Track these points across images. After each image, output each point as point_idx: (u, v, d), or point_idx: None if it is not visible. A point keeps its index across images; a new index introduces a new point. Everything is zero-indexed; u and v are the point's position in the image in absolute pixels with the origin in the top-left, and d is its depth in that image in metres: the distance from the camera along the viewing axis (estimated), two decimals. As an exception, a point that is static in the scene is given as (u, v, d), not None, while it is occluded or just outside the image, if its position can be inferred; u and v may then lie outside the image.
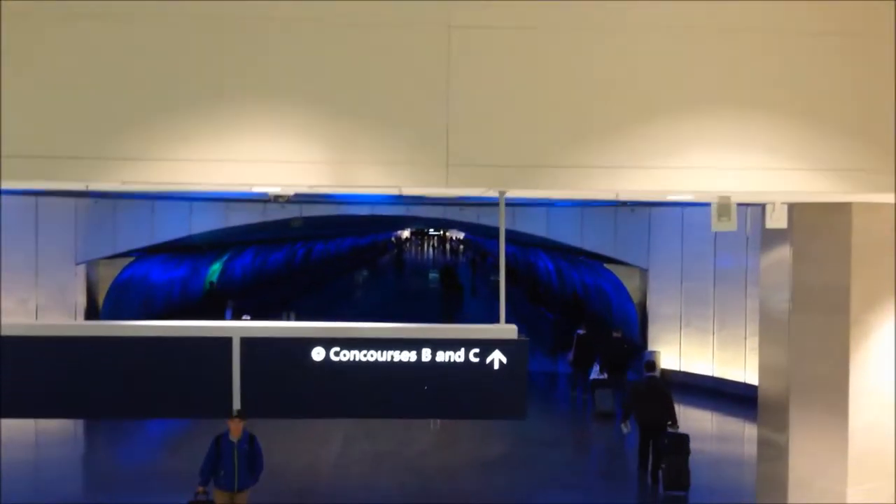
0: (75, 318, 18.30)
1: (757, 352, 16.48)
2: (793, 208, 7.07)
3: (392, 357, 5.32)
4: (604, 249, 19.78)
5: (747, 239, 16.98)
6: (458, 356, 5.32)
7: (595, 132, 5.25)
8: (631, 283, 20.30)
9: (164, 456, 13.17)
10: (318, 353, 5.29)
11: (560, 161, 5.25)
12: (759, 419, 7.95)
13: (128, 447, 13.67)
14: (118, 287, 19.92)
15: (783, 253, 7.45)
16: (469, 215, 20.50)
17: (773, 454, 7.65)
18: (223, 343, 5.27)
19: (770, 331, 7.73)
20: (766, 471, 7.84)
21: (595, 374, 16.08)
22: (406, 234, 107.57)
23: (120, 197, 18.83)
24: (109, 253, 18.98)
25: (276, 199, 5.94)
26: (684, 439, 11.21)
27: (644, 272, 19.52)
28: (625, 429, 12.14)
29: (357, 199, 20.00)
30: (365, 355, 5.31)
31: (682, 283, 18.57)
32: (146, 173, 5.10)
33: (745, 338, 17.09)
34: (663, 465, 11.18)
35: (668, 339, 18.79)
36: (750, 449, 14.48)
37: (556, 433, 15.06)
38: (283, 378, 5.32)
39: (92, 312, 18.89)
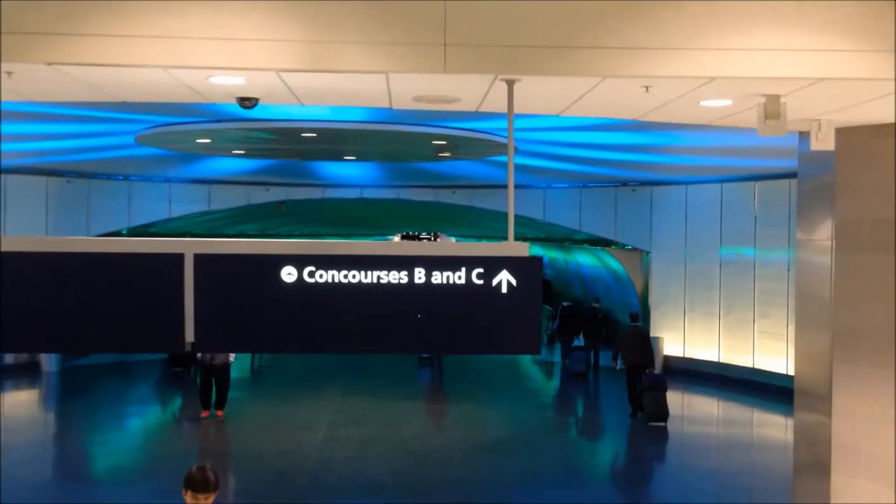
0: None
1: (766, 336, 15.98)
2: (838, 135, 6.19)
3: (378, 278, 4.39)
4: (604, 232, 18.88)
5: (755, 218, 16.18)
6: (457, 277, 4.40)
7: (618, 7, 4.36)
8: (632, 267, 19.41)
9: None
10: (288, 274, 4.37)
11: (577, 41, 4.36)
12: (796, 377, 7.04)
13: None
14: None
15: (825, 185, 6.56)
16: (462, 198, 19.59)
17: (813, 418, 6.75)
18: (172, 261, 4.34)
19: (808, 275, 6.82)
20: (805, 437, 6.93)
21: (579, 342, 18.17)
22: (396, 239, 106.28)
23: (95, 176, 17.89)
24: (82, 236, 17.97)
25: (243, 102, 4.98)
26: (662, 379, 13.46)
27: (646, 255, 18.63)
28: (616, 366, 14.38)
29: (345, 182, 19.09)
30: (346, 276, 4.38)
31: (686, 265, 17.70)
32: (78, 52, 4.20)
33: (754, 321, 16.23)
34: (645, 401, 13.22)
35: (672, 325, 17.90)
36: (761, 433, 13.72)
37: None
38: (246, 304, 4.39)
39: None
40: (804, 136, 6.62)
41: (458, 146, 12.44)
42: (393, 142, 11.92)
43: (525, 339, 4.47)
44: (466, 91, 4.95)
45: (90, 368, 17.62)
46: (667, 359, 17.71)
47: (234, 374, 17.99)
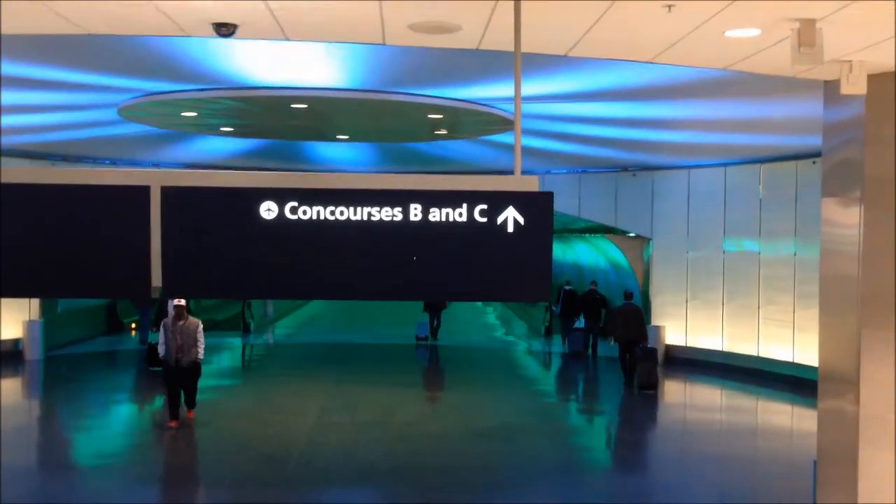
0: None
1: (771, 323, 15.51)
2: (868, 82, 5.72)
3: (369, 215, 3.91)
4: (604, 219, 18.39)
5: (760, 202, 15.73)
6: (458, 215, 3.92)
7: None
8: (633, 256, 18.94)
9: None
10: (268, 210, 3.89)
11: (596, -50, 3.89)
12: (820, 365, 6.56)
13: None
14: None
15: (853, 138, 6.09)
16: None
17: (839, 403, 6.28)
18: (136, 194, 3.86)
19: (834, 254, 6.33)
20: (830, 424, 6.45)
21: (579, 324, 18.47)
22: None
23: (80, 160, 17.37)
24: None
25: (220, 29, 4.48)
26: (653, 351, 14.65)
27: (648, 242, 18.14)
28: (610, 342, 15.46)
29: (338, 168, 18.61)
30: (332, 213, 3.90)
31: (688, 252, 17.23)
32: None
33: (759, 308, 15.77)
34: (638, 371, 14.23)
35: (674, 313, 17.42)
36: (767, 420, 13.27)
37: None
38: (219, 244, 3.91)
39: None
40: (831, 86, 6.16)
41: (455, 122, 11.95)
42: (387, 114, 11.42)
43: (533, 286, 3.99)
44: (468, 16, 4.47)
45: (74, 357, 17.11)
46: (668, 348, 17.25)
47: (226, 363, 17.59)
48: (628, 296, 15.40)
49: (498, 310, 29.80)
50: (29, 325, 16.60)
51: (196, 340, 10.95)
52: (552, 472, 9.65)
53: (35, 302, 16.78)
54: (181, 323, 10.90)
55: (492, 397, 14.03)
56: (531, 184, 3.97)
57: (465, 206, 3.91)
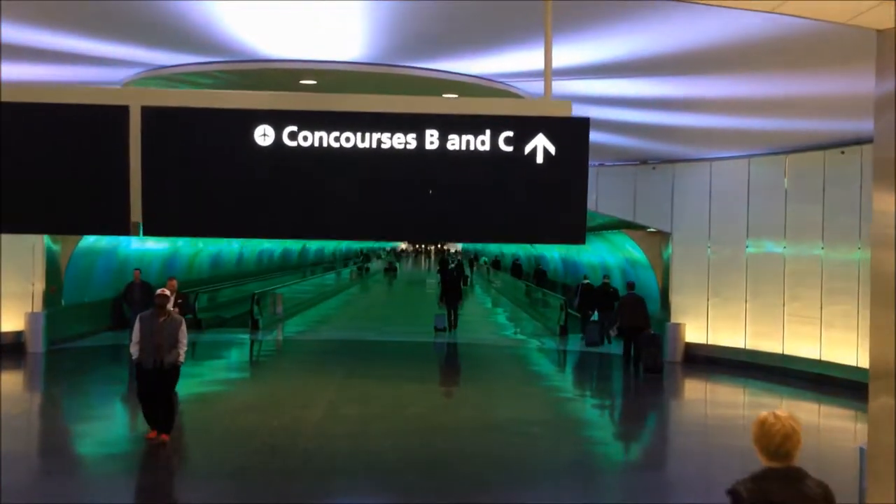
0: (32, 285, 16.37)
1: (797, 320, 14.93)
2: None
3: (379, 142, 3.43)
4: (622, 214, 17.83)
5: (786, 192, 15.18)
6: (480, 143, 3.44)
7: None
8: (653, 253, 18.39)
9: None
10: (263, 135, 3.41)
11: None
12: (871, 361, 6.01)
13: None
14: (81, 256, 17.93)
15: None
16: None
17: (892, 384, 5.73)
18: (113, 115, 3.39)
19: (887, 226, 5.76)
20: (883, 405, 5.89)
21: (594, 317, 19.20)
22: (403, 245, 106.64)
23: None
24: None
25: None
26: (657, 337, 15.48)
27: (668, 238, 17.57)
28: (613, 333, 16.80)
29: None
30: (337, 139, 3.42)
31: (709, 247, 16.68)
32: None
33: (784, 304, 15.19)
34: (643, 355, 15.16)
35: (695, 311, 16.84)
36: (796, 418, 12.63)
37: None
38: (208, 173, 3.43)
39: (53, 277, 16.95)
40: (885, 37, 5.62)
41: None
42: (398, 93, 10.95)
43: (565, 224, 3.50)
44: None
45: (77, 351, 16.69)
46: (688, 346, 16.70)
47: (234, 358, 17.14)
48: (631, 286, 16.59)
49: (508, 310, 29.30)
50: (31, 317, 16.20)
51: (177, 341, 9.22)
52: (567, 465, 9.12)
53: (38, 294, 16.39)
54: (161, 320, 9.16)
55: (505, 392, 13.53)
56: (564, 108, 3.48)
57: (488, 132, 3.43)
